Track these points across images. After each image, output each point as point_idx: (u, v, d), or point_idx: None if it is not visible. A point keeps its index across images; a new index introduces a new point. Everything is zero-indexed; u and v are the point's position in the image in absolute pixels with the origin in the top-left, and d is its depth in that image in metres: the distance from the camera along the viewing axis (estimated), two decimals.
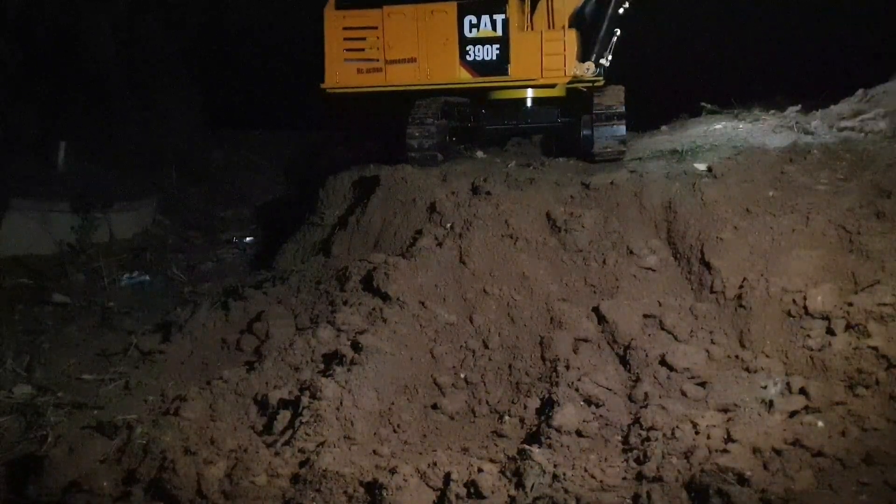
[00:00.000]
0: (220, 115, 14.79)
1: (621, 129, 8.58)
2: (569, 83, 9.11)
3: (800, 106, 9.85)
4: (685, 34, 11.37)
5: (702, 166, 7.56)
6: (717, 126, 9.59)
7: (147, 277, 9.33)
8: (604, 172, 7.93)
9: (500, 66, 8.67)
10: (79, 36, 12.65)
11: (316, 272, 7.39)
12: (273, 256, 8.92)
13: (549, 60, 8.59)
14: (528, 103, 9.49)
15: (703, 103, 10.82)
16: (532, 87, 9.20)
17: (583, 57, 8.81)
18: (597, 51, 8.83)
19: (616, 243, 6.89)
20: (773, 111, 9.92)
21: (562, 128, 9.66)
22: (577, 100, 9.34)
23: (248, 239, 11.28)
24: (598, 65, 8.83)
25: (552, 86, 9.09)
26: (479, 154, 9.76)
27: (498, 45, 8.62)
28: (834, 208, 6.55)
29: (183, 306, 7.74)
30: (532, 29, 9.17)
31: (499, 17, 8.58)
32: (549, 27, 9.05)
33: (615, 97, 8.80)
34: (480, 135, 10.10)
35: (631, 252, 6.80)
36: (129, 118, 13.47)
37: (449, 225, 7.27)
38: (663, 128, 10.50)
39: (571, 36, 8.65)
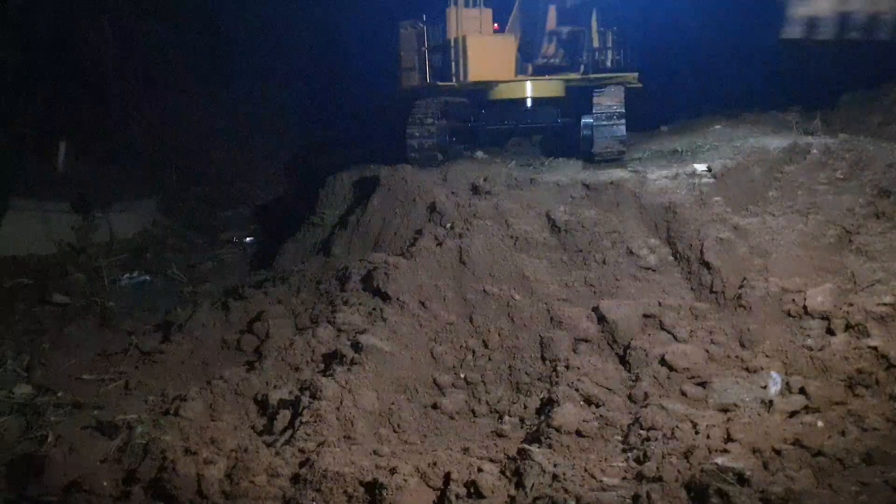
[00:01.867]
0: (220, 115, 14.77)
1: (621, 129, 8.60)
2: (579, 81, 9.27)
3: (800, 106, 9.87)
4: (686, 34, 11.36)
5: (702, 166, 7.56)
6: (717, 126, 9.60)
7: (147, 277, 9.32)
8: (604, 172, 7.94)
9: (446, 71, 9.15)
10: (79, 36, 12.65)
11: (316, 272, 7.39)
12: (273, 256, 8.92)
13: (457, 65, 9.00)
14: (529, 103, 9.50)
15: (702, 104, 10.83)
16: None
17: (527, 58, 9.32)
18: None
19: (616, 243, 6.90)
20: (772, 111, 9.94)
21: (562, 128, 9.68)
22: (577, 100, 9.36)
23: (248, 239, 11.27)
24: (537, 66, 9.21)
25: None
26: (479, 154, 9.77)
27: (442, 53, 9.24)
28: (834, 208, 6.55)
29: (183, 306, 7.75)
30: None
31: (441, 27, 9.20)
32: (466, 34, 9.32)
33: (615, 97, 8.81)
34: (480, 135, 10.11)
35: (631, 252, 6.81)
36: (129, 118, 13.46)
37: (449, 225, 7.28)
38: (663, 128, 10.51)
39: (474, 41, 8.90)
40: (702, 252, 6.59)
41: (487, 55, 8.97)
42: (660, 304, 6.19)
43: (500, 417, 5.47)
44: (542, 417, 5.12)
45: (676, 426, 4.69)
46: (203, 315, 6.79)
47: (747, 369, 5.48)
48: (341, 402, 5.08)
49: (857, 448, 4.16)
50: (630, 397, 5.36)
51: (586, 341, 6.01)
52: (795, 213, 6.65)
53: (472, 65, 8.79)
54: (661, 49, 10.52)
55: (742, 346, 5.86)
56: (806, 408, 4.82)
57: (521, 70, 9.20)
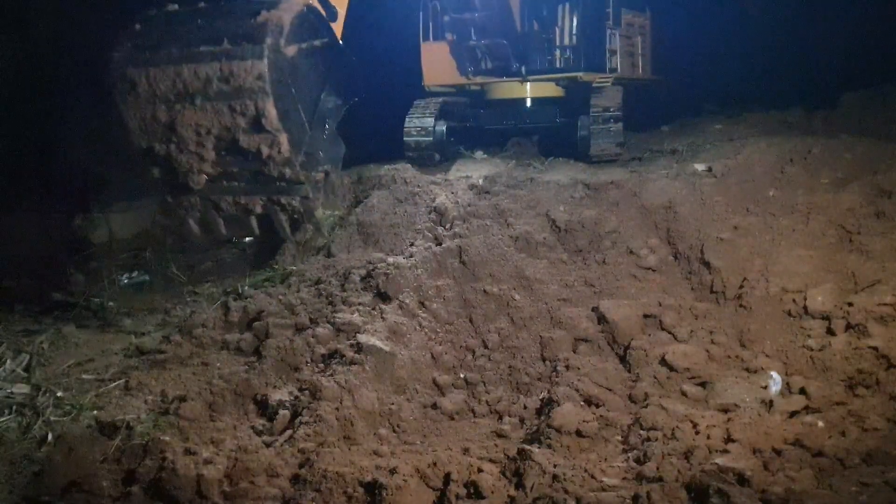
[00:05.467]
0: None
1: (618, 130, 8.60)
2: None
3: (800, 106, 9.87)
4: (686, 34, 11.38)
5: (702, 166, 7.57)
6: (717, 126, 9.61)
7: (147, 277, 9.31)
8: (604, 172, 7.94)
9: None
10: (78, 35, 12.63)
11: (316, 272, 7.39)
12: (273, 256, 8.92)
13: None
14: (528, 103, 9.49)
15: (703, 103, 10.84)
16: None
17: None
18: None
19: (616, 243, 6.90)
20: (773, 111, 9.94)
21: (561, 128, 9.67)
22: (575, 100, 9.35)
23: (248, 239, 11.25)
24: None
25: None
26: (479, 154, 9.77)
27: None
28: (834, 208, 6.55)
29: (183, 306, 7.74)
30: None
31: None
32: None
33: (612, 99, 8.80)
34: (480, 135, 10.11)
35: (631, 252, 6.81)
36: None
37: (449, 225, 7.28)
38: (663, 128, 10.52)
39: (426, 48, 9.40)
40: (702, 252, 6.59)
41: None
42: (660, 304, 6.19)
43: (500, 417, 5.47)
44: (542, 417, 5.11)
45: (676, 426, 4.69)
46: (203, 315, 6.79)
47: (747, 369, 5.48)
48: (341, 403, 5.07)
49: (857, 448, 4.16)
50: (630, 397, 5.36)
51: (586, 341, 6.01)
52: (796, 212, 6.65)
53: None
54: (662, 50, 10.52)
55: (742, 346, 5.85)
56: (806, 408, 4.82)
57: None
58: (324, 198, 6.17)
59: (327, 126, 5.86)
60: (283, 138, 5.02)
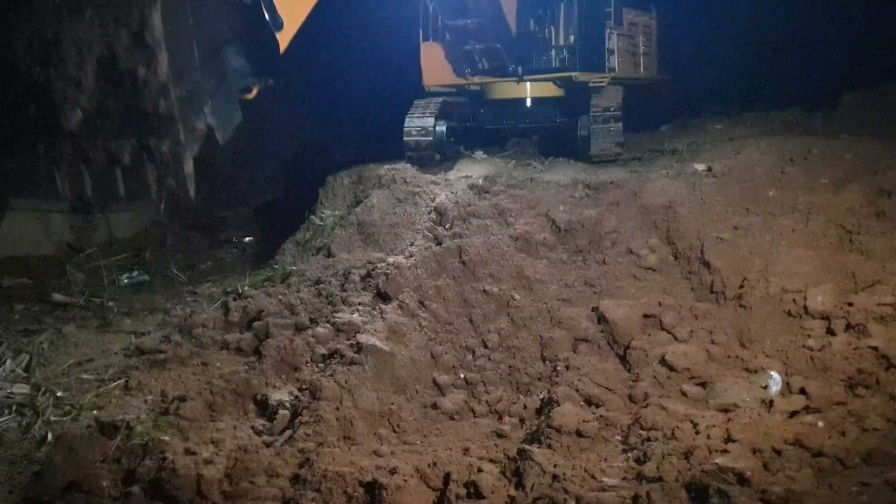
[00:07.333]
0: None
1: (618, 130, 8.59)
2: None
3: (801, 106, 9.88)
4: (686, 34, 11.38)
5: (702, 166, 7.57)
6: (717, 126, 9.61)
7: (147, 277, 9.31)
8: (604, 172, 7.94)
9: None
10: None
11: (316, 272, 7.39)
12: (273, 256, 8.92)
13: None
14: (528, 103, 9.49)
15: (703, 103, 10.83)
16: None
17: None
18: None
19: (616, 243, 6.90)
20: (773, 111, 9.94)
21: (561, 128, 9.67)
22: (575, 100, 9.34)
23: (247, 239, 11.27)
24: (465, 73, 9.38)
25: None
26: (479, 154, 9.77)
27: None
28: (834, 208, 6.55)
29: (183, 306, 7.74)
30: None
31: None
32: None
33: (612, 98, 8.80)
34: (480, 135, 10.11)
35: (631, 252, 6.81)
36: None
37: (449, 225, 7.28)
38: (663, 127, 10.51)
39: (425, 48, 9.47)
40: (702, 252, 6.59)
41: None
42: (660, 304, 6.19)
43: (500, 417, 5.47)
44: (542, 417, 5.11)
45: (676, 426, 4.69)
46: (203, 315, 6.79)
47: (747, 369, 5.48)
48: (341, 403, 5.08)
49: (857, 448, 4.15)
50: (630, 397, 5.36)
51: (586, 341, 6.01)
52: (796, 213, 6.65)
53: None
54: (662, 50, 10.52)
55: (742, 346, 5.85)
56: (806, 408, 4.81)
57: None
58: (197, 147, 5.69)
59: (226, 85, 5.60)
60: (162, 56, 4.78)
